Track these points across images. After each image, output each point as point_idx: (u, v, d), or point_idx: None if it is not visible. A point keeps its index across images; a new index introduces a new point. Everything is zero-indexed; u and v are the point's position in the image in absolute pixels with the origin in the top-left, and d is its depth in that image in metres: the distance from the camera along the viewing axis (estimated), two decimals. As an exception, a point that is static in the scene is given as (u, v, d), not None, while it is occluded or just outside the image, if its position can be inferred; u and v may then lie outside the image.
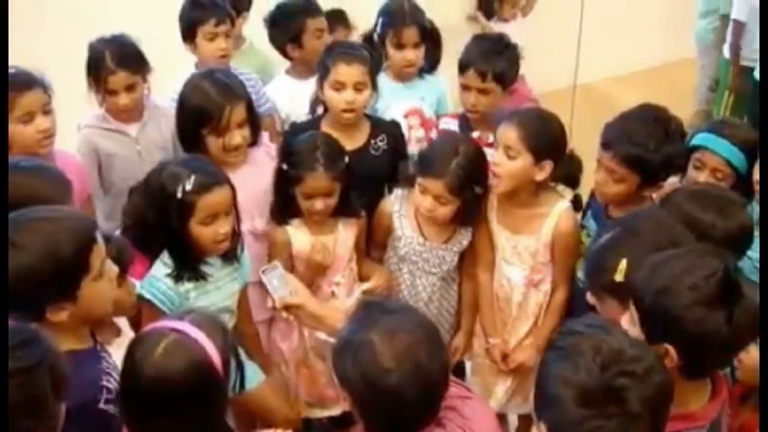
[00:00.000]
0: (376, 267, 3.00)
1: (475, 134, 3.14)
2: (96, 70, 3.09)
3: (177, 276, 2.53)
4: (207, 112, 2.77)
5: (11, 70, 2.74)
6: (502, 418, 3.22)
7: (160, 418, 1.86)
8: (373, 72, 3.07)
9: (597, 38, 5.26)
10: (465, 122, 3.21)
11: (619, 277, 2.02)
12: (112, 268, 2.07)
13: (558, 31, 5.15)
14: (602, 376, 1.57)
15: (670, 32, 5.72)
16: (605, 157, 2.64)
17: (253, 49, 3.99)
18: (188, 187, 2.43)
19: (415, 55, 3.48)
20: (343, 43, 3.25)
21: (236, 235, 2.62)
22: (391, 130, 3.16)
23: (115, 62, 3.07)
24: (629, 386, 1.57)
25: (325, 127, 3.06)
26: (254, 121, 2.92)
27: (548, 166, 2.75)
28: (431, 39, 3.55)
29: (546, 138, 2.75)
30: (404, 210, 2.92)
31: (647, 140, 2.59)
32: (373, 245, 3.05)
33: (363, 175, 2.92)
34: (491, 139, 3.07)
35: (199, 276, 2.56)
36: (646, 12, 6.11)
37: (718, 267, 1.77)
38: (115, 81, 3.08)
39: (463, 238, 2.94)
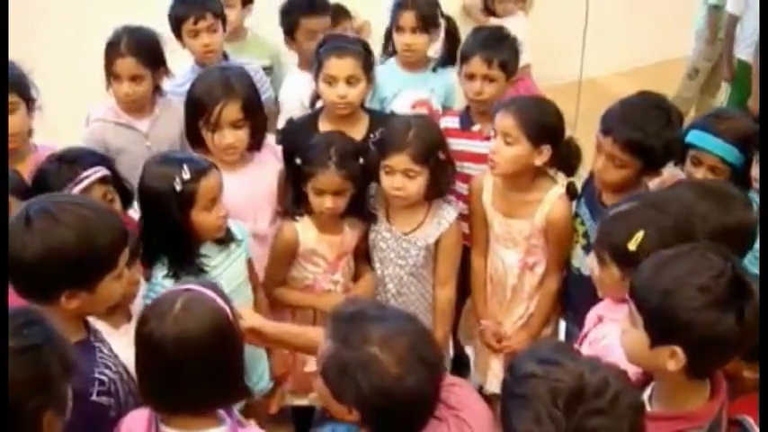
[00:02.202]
0: (366, 272, 2.92)
1: (475, 127, 3.07)
2: (108, 53, 3.04)
3: (176, 275, 2.48)
4: (201, 104, 2.73)
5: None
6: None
7: (186, 383, 1.78)
8: (368, 66, 2.99)
9: (602, 33, 5.20)
10: (466, 116, 3.14)
11: (632, 246, 2.03)
12: (126, 274, 2.05)
13: (564, 26, 5.09)
14: (568, 423, 1.46)
15: (674, 28, 5.65)
16: (606, 143, 2.58)
17: (257, 40, 3.91)
18: (186, 176, 2.40)
19: (413, 40, 3.40)
20: (336, 37, 3.15)
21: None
22: None
23: (127, 47, 3.01)
24: (601, 426, 1.47)
25: (324, 121, 3.00)
26: (258, 124, 2.82)
27: (546, 150, 2.71)
28: (447, 34, 3.52)
29: (543, 123, 2.72)
30: (378, 197, 2.86)
31: (647, 126, 2.54)
32: None
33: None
34: (492, 132, 3.00)
35: (197, 270, 2.50)
36: (650, 7, 6.02)
37: (725, 266, 1.69)
38: (121, 66, 3.01)
39: (429, 235, 2.81)
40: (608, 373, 1.53)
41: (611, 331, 2.14)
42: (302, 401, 2.97)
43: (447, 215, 2.83)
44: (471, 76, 3.05)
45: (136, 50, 3.03)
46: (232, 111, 2.71)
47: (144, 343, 1.83)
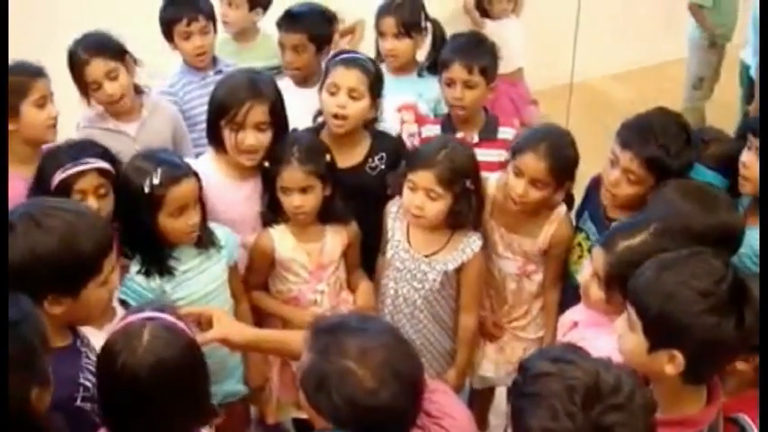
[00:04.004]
0: (362, 282, 2.83)
1: (458, 135, 3.01)
2: (74, 67, 3.00)
3: (147, 272, 2.46)
4: (226, 103, 2.64)
5: (15, 61, 2.72)
6: (491, 392, 3.15)
7: (161, 413, 1.76)
8: (375, 86, 2.84)
9: (594, 36, 5.19)
10: (448, 124, 3.09)
11: None
12: (115, 280, 2.02)
13: (555, 28, 5.09)
14: (585, 419, 1.44)
15: (666, 31, 5.67)
16: (624, 158, 2.50)
17: (267, 41, 3.83)
18: (155, 181, 2.37)
19: (393, 45, 3.40)
20: (350, 51, 3.07)
21: (204, 224, 2.54)
22: (393, 148, 2.94)
23: (88, 53, 2.97)
24: (618, 422, 1.45)
25: (324, 137, 2.87)
26: (281, 131, 2.72)
27: (568, 186, 2.70)
28: (434, 38, 3.49)
29: (570, 163, 2.67)
30: (400, 213, 2.77)
31: (670, 144, 2.49)
32: (382, 250, 2.86)
33: (357, 194, 2.78)
34: (476, 139, 3.01)
35: (166, 271, 2.47)
36: (642, 10, 6.05)
37: (726, 271, 1.67)
38: (92, 70, 2.97)
39: (450, 260, 2.70)
40: (621, 372, 1.52)
41: (587, 335, 2.12)
42: (297, 414, 2.88)
43: (472, 244, 2.72)
44: (451, 83, 3.00)
45: (97, 50, 2.99)
46: (258, 112, 2.63)
47: (114, 377, 1.77)
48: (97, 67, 2.98)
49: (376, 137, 2.93)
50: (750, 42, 4.61)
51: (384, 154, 2.89)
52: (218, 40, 3.72)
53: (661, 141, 2.49)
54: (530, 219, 2.75)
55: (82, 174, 2.47)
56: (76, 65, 2.99)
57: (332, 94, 2.81)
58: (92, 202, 2.47)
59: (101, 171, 2.51)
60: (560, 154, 2.63)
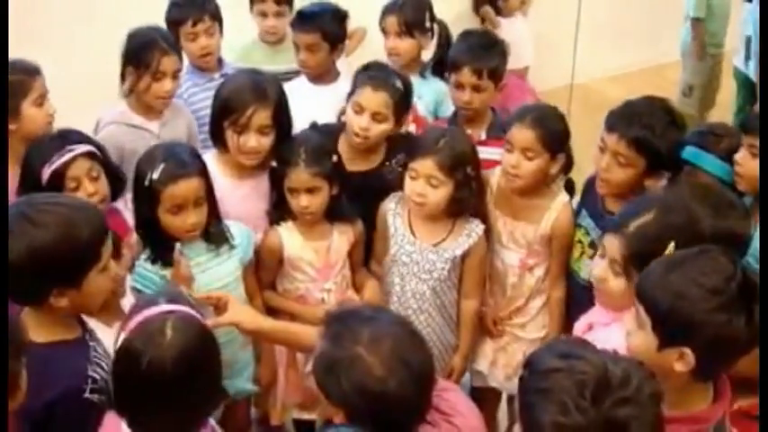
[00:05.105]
0: (368, 280, 2.82)
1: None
2: (149, 51, 2.96)
3: (154, 260, 2.46)
4: (230, 104, 2.63)
5: (12, 59, 2.70)
6: (498, 395, 3.14)
7: (182, 400, 1.75)
8: (401, 107, 2.80)
9: (594, 38, 5.20)
10: (454, 123, 3.09)
11: None
12: (113, 264, 2.02)
13: (556, 30, 5.10)
14: (596, 413, 1.44)
15: (665, 33, 5.67)
16: (611, 141, 2.53)
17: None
18: (155, 176, 2.36)
19: (395, 44, 3.40)
20: (381, 66, 2.98)
21: (215, 221, 2.52)
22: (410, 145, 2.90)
23: (168, 45, 3.00)
24: (629, 415, 1.44)
25: (343, 140, 2.87)
26: (283, 133, 2.70)
27: (561, 158, 2.70)
28: (440, 41, 3.49)
29: (559, 132, 2.70)
30: (399, 208, 2.77)
31: (654, 124, 2.52)
32: (375, 256, 2.87)
33: (376, 194, 2.80)
34: (483, 136, 3.01)
35: (169, 264, 2.46)
36: (641, 12, 6.05)
37: (736, 269, 1.67)
38: (168, 62, 2.97)
39: (457, 246, 2.71)
40: (629, 364, 1.52)
41: (599, 336, 2.09)
42: (310, 416, 2.85)
43: (476, 228, 2.74)
44: (460, 86, 3.00)
45: (172, 47, 3.03)
46: (262, 116, 2.62)
47: (140, 376, 1.74)
48: (171, 63, 3.01)
49: (390, 139, 2.88)
50: (751, 42, 4.60)
51: (404, 154, 2.82)
52: (245, 45, 3.76)
53: (645, 121, 2.52)
54: (531, 204, 2.76)
55: (71, 161, 2.47)
56: (156, 50, 2.98)
57: (356, 112, 2.79)
58: (88, 186, 2.48)
59: (88, 154, 2.52)
60: (547, 122, 2.67)
